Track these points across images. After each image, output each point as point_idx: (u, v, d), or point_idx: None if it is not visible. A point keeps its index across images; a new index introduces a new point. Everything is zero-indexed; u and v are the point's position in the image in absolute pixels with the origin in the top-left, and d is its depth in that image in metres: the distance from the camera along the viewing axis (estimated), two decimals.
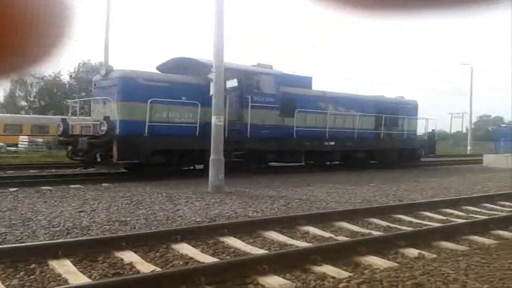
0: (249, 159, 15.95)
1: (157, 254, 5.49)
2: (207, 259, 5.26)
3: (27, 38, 0.58)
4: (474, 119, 64.53)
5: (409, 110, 22.29)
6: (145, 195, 10.24)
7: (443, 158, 27.65)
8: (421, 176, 16.88)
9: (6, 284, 4.38)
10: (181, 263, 5.20)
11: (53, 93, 55.67)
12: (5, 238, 6.16)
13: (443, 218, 8.56)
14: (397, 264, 5.14)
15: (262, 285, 4.47)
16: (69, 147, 14.79)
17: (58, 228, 6.76)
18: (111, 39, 24.01)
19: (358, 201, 10.37)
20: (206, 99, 12.97)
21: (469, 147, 45.79)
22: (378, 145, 20.31)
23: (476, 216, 8.76)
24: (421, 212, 8.92)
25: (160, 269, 4.86)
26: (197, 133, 13.86)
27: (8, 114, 41.80)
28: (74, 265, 4.93)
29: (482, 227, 7.31)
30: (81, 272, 4.75)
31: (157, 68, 16.39)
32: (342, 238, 6.60)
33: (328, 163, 18.86)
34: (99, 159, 13.45)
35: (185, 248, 5.69)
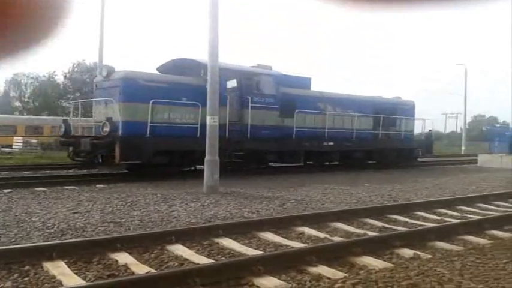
0: (249, 160, 16.06)
1: (152, 255, 5.47)
2: (202, 260, 5.25)
3: (25, 21, 0.58)
4: (468, 119, 64.79)
5: (407, 110, 22.43)
6: (140, 196, 10.21)
7: (438, 158, 27.71)
8: (416, 176, 16.91)
9: (0, 286, 4.35)
10: (176, 264, 5.18)
11: (47, 93, 55.44)
12: None
13: (438, 218, 8.58)
14: (392, 265, 5.14)
15: (258, 286, 4.47)
16: (71, 148, 14.83)
17: (52, 230, 6.73)
18: (107, 40, 23.96)
19: (354, 201, 10.39)
20: (206, 100, 12.98)
21: (463, 147, 45.94)
22: (376, 145, 20.44)
23: (471, 216, 8.78)
24: (416, 212, 8.94)
25: (155, 271, 4.85)
26: (198, 134, 13.86)
27: (2, 115, 41.59)
28: (69, 267, 4.91)
29: (477, 227, 7.32)
30: (75, 273, 4.73)
31: (158, 69, 16.45)
32: (337, 239, 6.60)
33: (327, 163, 19.00)
34: (100, 160, 13.54)
35: (180, 249, 5.67)
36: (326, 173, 17.20)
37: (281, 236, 6.64)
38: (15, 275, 4.63)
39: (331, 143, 18.18)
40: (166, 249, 5.70)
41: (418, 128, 23.34)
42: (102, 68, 14.29)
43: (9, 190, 10.79)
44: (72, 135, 14.95)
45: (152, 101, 13.45)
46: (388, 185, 13.46)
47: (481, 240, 6.56)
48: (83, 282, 4.43)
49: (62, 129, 14.90)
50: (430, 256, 5.57)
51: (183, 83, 14.59)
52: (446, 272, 4.65)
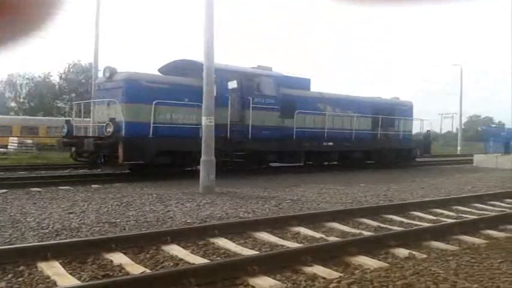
0: (250, 160, 16.21)
1: (147, 256, 5.46)
2: (197, 260, 5.24)
3: (16, 12, 0.57)
4: (464, 120, 64.86)
5: (405, 110, 22.64)
6: (136, 197, 10.19)
7: (434, 158, 27.77)
8: (412, 176, 16.93)
9: None
10: (171, 264, 5.18)
11: (42, 94, 55.29)
12: None
13: (434, 218, 8.60)
14: (387, 264, 5.15)
15: (253, 286, 4.46)
16: (73, 149, 14.96)
17: (47, 230, 6.71)
18: (103, 41, 23.90)
19: (349, 201, 10.39)
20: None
21: (459, 148, 46.06)
22: (375, 145, 20.61)
23: (466, 216, 8.80)
24: (412, 212, 8.95)
25: (150, 271, 4.84)
26: (200, 134, 13.92)
27: None
28: (63, 267, 4.89)
29: (472, 227, 7.34)
30: (70, 273, 4.71)
31: (159, 70, 16.56)
32: (332, 238, 6.60)
33: (326, 163, 19.18)
34: (102, 160, 13.65)
35: (175, 250, 5.66)
36: (325, 172, 17.30)
37: (277, 236, 6.64)
38: (10, 275, 4.61)
39: (330, 143, 18.33)
40: (161, 250, 5.69)
41: (416, 128, 23.56)
42: (105, 69, 14.36)
43: (4, 190, 10.75)
44: (75, 136, 15.12)
45: (155, 102, 13.56)
46: (384, 185, 13.48)
47: (476, 240, 6.58)
48: (78, 283, 4.41)
49: (65, 130, 15.04)
50: (425, 256, 5.57)
51: (184, 84, 14.66)
52: (441, 272, 4.66)
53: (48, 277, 4.59)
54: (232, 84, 15.54)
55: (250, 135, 15.58)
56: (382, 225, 7.74)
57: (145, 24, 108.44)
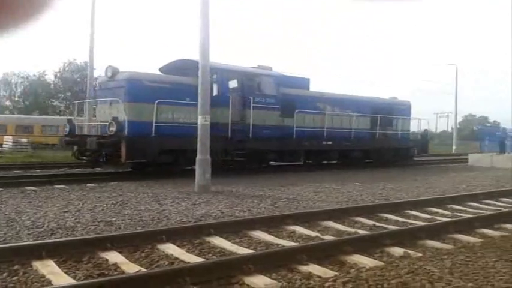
0: (251, 159, 16.31)
1: (143, 255, 5.45)
2: (193, 259, 5.23)
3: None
4: (459, 119, 65.12)
5: (403, 110, 22.83)
6: (131, 195, 10.17)
7: (430, 158, 27.82)
8: (408, 175, 16.98)
9: None
10: (166, 263, 5.17)
11: (37, 93, 55.10)
12: None
13: (429, 216, 8.62)
14: (382, 263, 5.15)
15: (248, 285, 4.46)
16: (75, 147, 15.04)
17: (42, 229, 6.68)
18: (98, 40, 23.83)
19: (345, 200, 10.41)
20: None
21: (454, 147, 46.18)
22: (373, 144, 20.77)
23: (462, 214, 8.83)
24: (407, 211, 8.97)
25: (145, 270, 4.83)
26: None
27: None
28: (58, 266, 4.88)
29: (467, 226, 7.36)
30: (65, 272, 4.70)
31: (160, 70, 16.64)
32: (328, 237, 6.61)
33: (325, 162, 19.32)
34: (104, 159, 13.73)
35: (171, 248, 5.65)
36: (324, 171, 17.39)
37: (272, 235, 6.64)
38: (4, 274, 4.59)
39: (330, 143, 18.49)
40: (156, 248, 5.68)
41: (413, 128, 23.68)
42: (107, 68, 14.36)
43: None
44: (77, 134, 15.23)
45: (157, 101, 13.65)
46: (379, 184, 13.50)
47: (471, 239, 6.60)
48: (73, 282, 4.40)
49: (67, 129, 15.11)
50: (420, 254, 5.58)
51: (186, 83, 14.71)
52: (436, 271, 4.67)
53: (43, 276, 4.58)
54: (233, 84, 15.67)
55: (251, 135, 15.71)
56: (378, 224, 7.75)
57: (141, 22, 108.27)
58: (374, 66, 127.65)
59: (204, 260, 5.21)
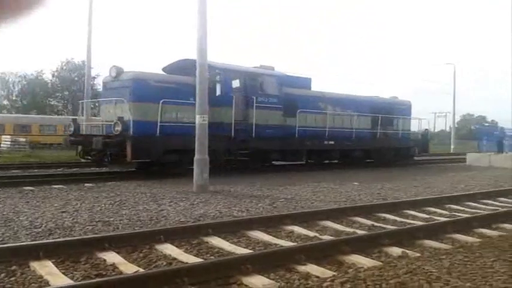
0: (254, 158, 16.40)
1: (141, 255, 5.44)
2: (191, 259, 5.23)
3: None
4: (457, 118, 65.17)
5: (403, 110, 22.93)
6: (129, 196, 10.16)
7: (428, 157, 27.85)
8: (405, 175, 16.99)
9: None
10: (164, 263, 5.16)
11: (35, 92, 55.03)
12: None
13: (427, 216, 8.62)
14: (380, 263, 5.15)
15: (246, 285, 4.45)
16: (80, 147, 15.09)
17: (40, 229, 6.67)
18: (96, 38, 23.79)
19: (343, 200, 10.41)
20: (213, 100, 13.22)
21: (452, 146, 46.25)
22: (374, 144, 20.87)
23: (460, 214, 8.83)
24: (405, 211, 8.97)
25: (143, 270, 4.82)
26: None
27: None
28: (56, 266, 4.87)
29: (466, 226, 7.37)
30: (63, 273, 4.68)
31: (163, 69, 16.67)
32: (326, 237, 6.61)
33: (327, 161, 19.42)
34: (109, 159, 13.77)
35: (169, 249, 5.65)
36: (326, 171, 17.46)
37: (270, 235, 6.64)
38: (2, 275, 4.58)
39: (331, 142, 18.58)
40: (155, 249, 5.67)
41: (414, 127, 23.80)
42: (111, 68, 14.37)
43: None
44: (82, 134, 15.27)
45: (162, 101, 13.70)
46: (378, 184, 13.50)
47: (469, 239, 6.60)
48: (71, 282, 4.39)
49: (71, 129, 15.11)
50: (418, 254, 5.58)
51: (190, 83, 14.69)
52: (434, 270, 4.67)
53: (40, 276, 4.57)
54: (236, 83, 15.75)
55: (253, 134, 15.79)
56: (376, 223, 7.76)
57: (139, 21, 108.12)
58: (374, 66, 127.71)
59: (202, 260, 5.21)
